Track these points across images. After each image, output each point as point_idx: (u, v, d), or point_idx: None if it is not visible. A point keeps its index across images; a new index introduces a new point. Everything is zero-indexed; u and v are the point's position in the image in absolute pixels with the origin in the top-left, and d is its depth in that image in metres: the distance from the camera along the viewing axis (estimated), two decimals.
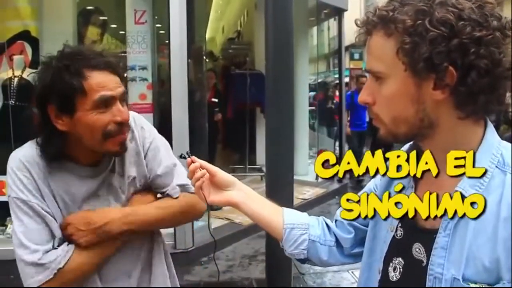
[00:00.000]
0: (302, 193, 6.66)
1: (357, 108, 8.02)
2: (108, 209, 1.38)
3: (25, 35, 5.12)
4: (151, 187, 1.49)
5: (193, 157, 1.24)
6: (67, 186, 1.36)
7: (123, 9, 4.92)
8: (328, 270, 4.55)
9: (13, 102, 4.85)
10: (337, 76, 9.17)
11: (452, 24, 0.82)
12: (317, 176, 6.76)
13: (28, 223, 1.29)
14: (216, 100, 7.10)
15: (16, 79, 4.90)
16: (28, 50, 5.14)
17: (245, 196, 1.24)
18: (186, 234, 4.53)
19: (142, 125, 1.47)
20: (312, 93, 9.61)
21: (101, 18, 5.88)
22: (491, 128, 0.93)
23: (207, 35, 11.38)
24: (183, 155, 1.29)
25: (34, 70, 5.03)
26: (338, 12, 8.20)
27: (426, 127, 0.91)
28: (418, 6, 0.85)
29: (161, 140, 1.52)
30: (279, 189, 1.94)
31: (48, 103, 1.28)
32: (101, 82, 1.27)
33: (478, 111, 0.89)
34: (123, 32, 5.15)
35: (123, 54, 5.39)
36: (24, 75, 4.93)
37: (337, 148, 8.28)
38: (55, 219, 1.33)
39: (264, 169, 7.66)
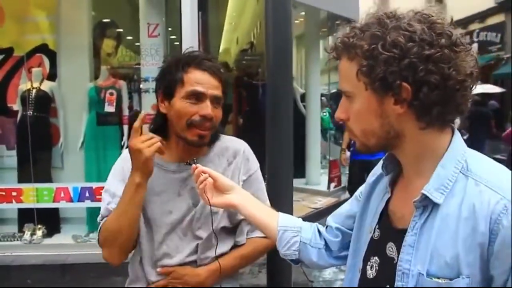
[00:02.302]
0: (314, 203, 6.70)
1: None
2: (199, 271, 1.58)
3: (43, 48, 5.32)
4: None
5: (198, 164, 1.42)
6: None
7: (137, 22, 5.07)
8: (337, 278, 4.59)
9: (31, 112, 5.02)
10: None
11: (402, 46, 0.91)
12: (328, 186, 6.85)
13: (104, 198, 1.61)
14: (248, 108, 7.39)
15: (34, 90, 5.06)
16: (46, 62, 5.33)
17: (244, 199, 1.37)
18: None
19: (248, 157, 1.67)
20: None
21: (116, 30, 6.04)
22: (457, 136, 1.01)
23: (222, 46, 11.53)
24: (189, 162, 1.48)
25: (52, 82, 5.21)
26: (349, 23, 8.26)
27: (393, 137, 1.00)
28: (373, 32, 0.95)
29: (260, 180, 1.70)
30: (279, 200, 2.01)
31: (159, 89, 1.56)
32: (199, 79, 1.50)
33: (435, 122, 0.97)
34: (138, 44, 5.29)
35: (137, 66, 5.54)
36: (42, 87, 5.09)
37: None
38: None
39: None
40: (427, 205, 0.96)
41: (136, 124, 1.47)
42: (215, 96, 1.52)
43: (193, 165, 1.41)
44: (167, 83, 1.53)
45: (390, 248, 1.03)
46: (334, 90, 10.52)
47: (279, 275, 2.05)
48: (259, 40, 9.72)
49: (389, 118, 0.98)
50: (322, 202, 6.92)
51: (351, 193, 5.59)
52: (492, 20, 15.39)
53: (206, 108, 1.49)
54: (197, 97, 1.49)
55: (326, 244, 1.32)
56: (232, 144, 1.66)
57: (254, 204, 1.38)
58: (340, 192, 7.62)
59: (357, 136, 1.04)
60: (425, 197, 0.96)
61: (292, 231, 1.32)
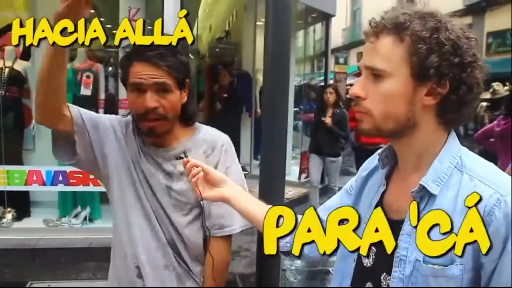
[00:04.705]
0: (285, 193, 6.77)
1: None
2: None
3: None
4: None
5: (189, 158, 1.40)
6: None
7: (116, 5, 4.97)
8: (308, 267, 4.70)
9: (3, 92, 4.86)
10: (322, 78, 9.31)
11: (458, 44, 0.98)
12: (299, 177, 6.92)
13: None
14: (226, 95, 7.41)
15: (7, 69, 4.91)
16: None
17: (236, 193, 1.38)
18: None
19: (226, 150, 1.66)
20: None
21: (94, 12, 5.89)
22: (453, 134, 1.08)
23: (195, 33, 11.42)
24: (180, 156, 1.45)
25: (25, 62, 5.06)
26: (325, 17, 8.36)
27: (410, 127, 1.04)
28: (434, 23, 0.99)
29: (239, 173, 1.68)
30: (271, 193, 2.06)
31: None
32: (137, 71, 1.50)
33: (451, 121, 1.05)
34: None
35: (115, 50, 5.45)
36: (15, 66, 4.95)
37: None
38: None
39: (247, 168, 7.80)
40: (424, 196, 1.03)
41: None
42: (157, 83, 1.49)
43: (185, 159, 1.40)
44: (121, 78, 1.58)
45: None
46: (306, 81, 10.65)
47: (267, 265, 2.10)
48: (234, 28, 9.68)
49: (415, 106, 1.02)
50: (292, 192, 7.02)
51: None
52: (459, 22, 15.76)
53: (145, 99, 1.49)
54: (138, 89, 1.50)
55: None
56: (211, 137, 1.66)
57: (246, 197, 1.40)
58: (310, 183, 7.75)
59: (375, 117, 1.04)
60: (422, 188, 1.02)
61: None
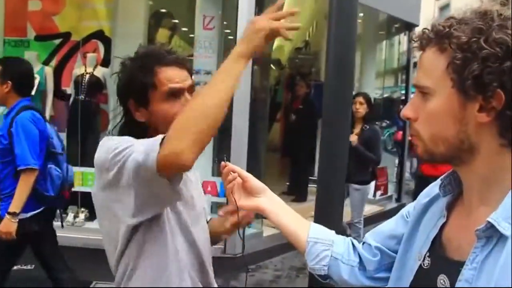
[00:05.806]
0: None
1: None
2: None
3: (99, 35, 5.39)
4: None
5: (228, 163, 1.32)
6: None
7: (192, 13, 5.04)
8: None
9: (83, 97, 5.09)
10: (403, 92, 8.92)
11: (508, 45, 0.80)
12: (374, 193, 6.63)
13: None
14: (301, 106, 7.26)
15: (87, 75, 5.14)
16: (101, 48, 5.40)
17: (274, 205, 1.28)
18: (237, 239, 4.53)
19: None
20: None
21: (171, 21, 6.04)
22: None
23: (276, 43, 11.45)
24: (222, 160, 1.36)
25: (105, 68, 5.27)
26: (408, 27, 8.00)
27: (466, 150, 0.88)
28: (476, 25, 0.83)
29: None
30: (330, 203, 1.92)
31: (128, 98, 1.44)
32: (170, 76, 1.41)
33: None
34: (192, 35, 5.26)
35: (189, 58, 5.53)
36: (95, 73, 5.16)
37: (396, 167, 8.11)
38: None
39: None
40: (492, 237, 0.84)
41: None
42: (191, 86, 1.45)
43: (223, 163, 1.32)
44: (137, 91, 1.41)
45: (442, 281, 0.91)
46: (386, 95, 10.28)
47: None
48: (314, 39, 9.58)
49: (467, 126, 0.86)
50: (366, 209, 6.71)
51: None
52: None
53: (188, 102, 1.41)
54: (175, 94, 1.42)
55: (360, 261, 1.21)
56: None
57: (285, 210, 1.28)
58: (386, 201, 7.42)
59: (424, 140, 0.92)
60: (490, 226, 0.83)
61: (323, 244, 1.21)
